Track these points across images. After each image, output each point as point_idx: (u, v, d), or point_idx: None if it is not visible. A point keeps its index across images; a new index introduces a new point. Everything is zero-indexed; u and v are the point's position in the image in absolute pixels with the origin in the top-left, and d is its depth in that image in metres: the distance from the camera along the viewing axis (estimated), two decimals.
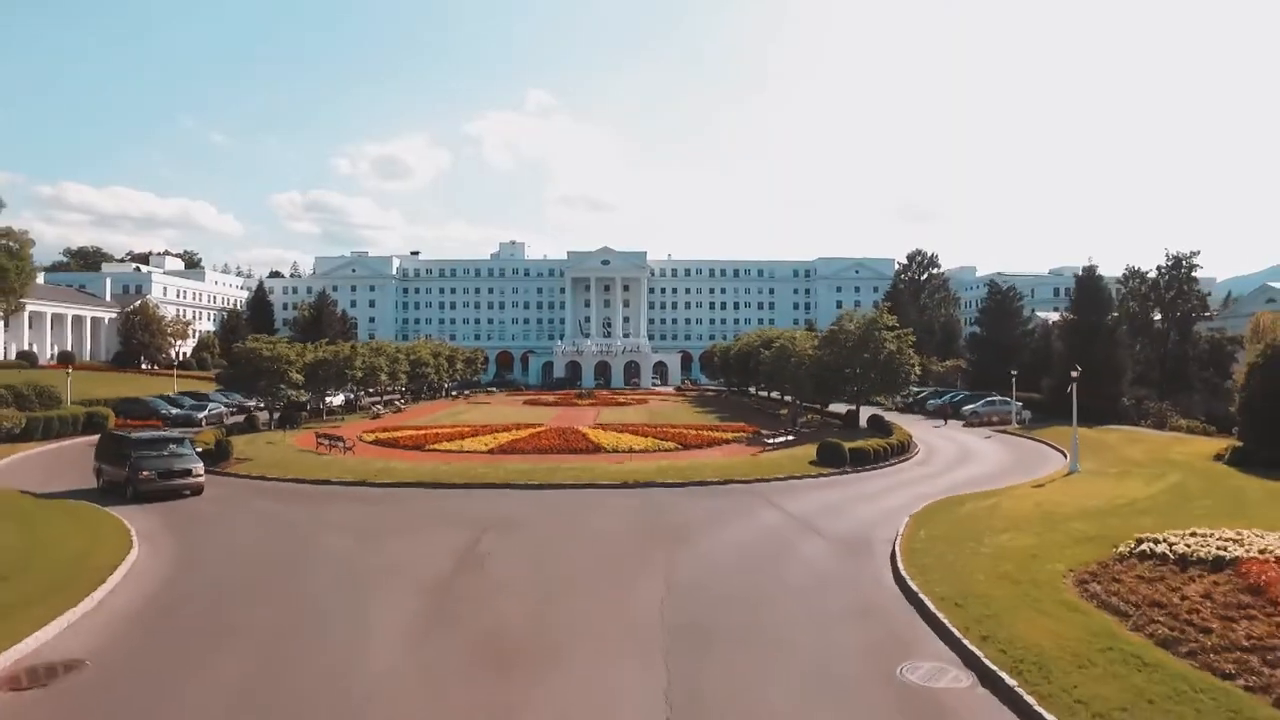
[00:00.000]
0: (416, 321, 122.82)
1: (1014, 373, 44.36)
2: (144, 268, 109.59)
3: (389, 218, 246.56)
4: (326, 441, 31.75)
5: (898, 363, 39.94)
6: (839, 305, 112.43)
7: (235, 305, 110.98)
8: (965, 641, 10.11)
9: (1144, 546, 13.60)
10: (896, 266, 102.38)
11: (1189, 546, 13.22)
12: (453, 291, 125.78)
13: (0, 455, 29.15)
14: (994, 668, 9.23)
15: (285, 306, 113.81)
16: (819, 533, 17.66)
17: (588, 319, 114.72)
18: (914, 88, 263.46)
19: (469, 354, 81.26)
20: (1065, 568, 12.91)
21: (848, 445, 28.76)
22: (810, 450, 29.47)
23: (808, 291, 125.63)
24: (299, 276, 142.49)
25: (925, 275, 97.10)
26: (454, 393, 75.27)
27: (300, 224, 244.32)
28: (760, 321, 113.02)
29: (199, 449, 25.24)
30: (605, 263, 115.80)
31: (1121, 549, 13.71)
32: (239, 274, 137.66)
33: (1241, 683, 8.39)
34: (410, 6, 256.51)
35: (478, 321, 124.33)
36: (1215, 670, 8.71)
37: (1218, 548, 13.01)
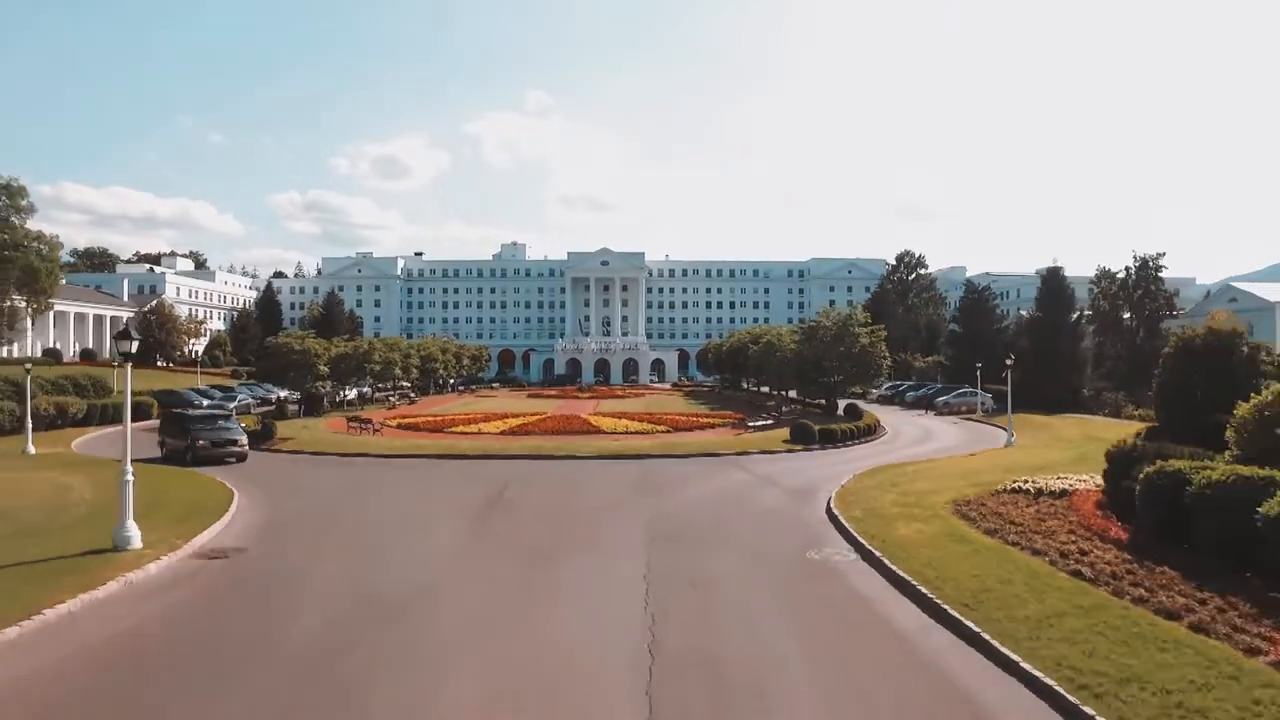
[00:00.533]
0: (420, 320, 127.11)
1: (979, 365, 48.72)
2: (156, 268, 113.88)
3: (388, 217, 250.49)
4: (357, 425, 36.12)
5: (870, 357, 44.34)
6: (832, 304, 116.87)
7: (243, 304, 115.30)
8: (857, 536, 14.50)
9: (1014, 485, 18.03)
10: (885, 268, 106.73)
11: (1046, 484, 17.64)
12: (456, 291, 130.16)
13: (75, 435, 33.60)
14: (870, 548, 13.61)
15: (292, 306, 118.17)
16: (776, 485, 22.05)
17: (587, 318, 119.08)
18: (914, 88, 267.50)
19: (475, 351, 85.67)
20: (949, 499, 17.28)
21: (818, 427, 33.17)
22: (786, 432, 33.86)
23: (801, 291, 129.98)
24: (303, 276, 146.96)
25: (913, 276, 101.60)
26: (460, 388, 79.66)
27: (300, 224, 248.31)
28: (755, 320, 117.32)
29: (246, 429, 29.72)
30: (604, 263, 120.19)
31: (998, 488, 18.12)
32: (244, 274, 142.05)
33: (1017, 546, 12.83)
34: (409, 6, 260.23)
35: (480, 320, 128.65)
36: (1008, 542, 13.15)
37: (1066, 485, 17.42)
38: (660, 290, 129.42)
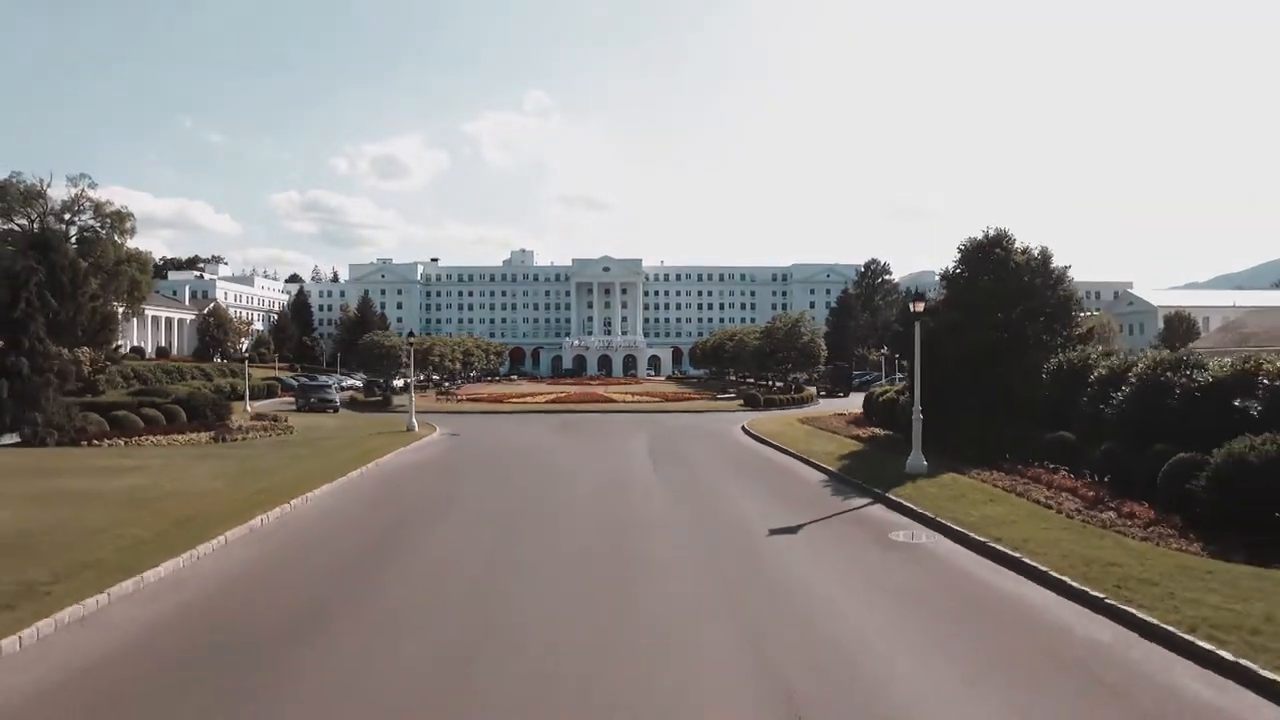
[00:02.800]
0: (438, 321, 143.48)
1: (897, 356, 65.49)
2: (206, 275, 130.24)
3: (386, 217, 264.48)
4: (444, 396, 52.86)
5: (813, 349, 61.11)
6: (812, 305, 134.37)
7: (277, 306, 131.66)
8: (748, 429, 31.36)
9: (838, 412, 34.91)
10: (854, 275, 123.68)
11: (849, 411, 34.51)
12: (470, 294, 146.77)
13: (239, 406, 50.27)
14: (751, 431, 30.46)
15: (320, 308, 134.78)
16: (721, 420, 38.85)
17: (590, 318, 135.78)
18: (914, 88, 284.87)
19: (498, 348, 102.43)
20: (805, 420, 34.10)
21: (763, 396, 50.02)
22: (742, 400, 50.68)
23: (784, 293, 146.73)
24: (320, 280, 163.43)
25: (879, 281, 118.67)
26: (486, 378, 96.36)
27: (298, 223, 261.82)
28: (742, 320, 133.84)
29: (377, 398, 46.62)
30: (606, 269, 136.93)
31: (833, 414, 35.00)
32: (266, 276, 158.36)
33: (824, 430, 29.84)
34: (409, 6, 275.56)
35: (492, 321, 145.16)
36: (819, 428, 30.12)
37: (859, 412, 34.30)
38: (656, 293, 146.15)
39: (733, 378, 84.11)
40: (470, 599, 9.52)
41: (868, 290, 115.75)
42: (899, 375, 66.64)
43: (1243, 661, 6.70)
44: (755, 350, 62.80)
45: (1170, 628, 7.60)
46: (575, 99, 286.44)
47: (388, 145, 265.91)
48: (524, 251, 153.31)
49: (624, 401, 52.99)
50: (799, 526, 13.61)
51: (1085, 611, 8.71)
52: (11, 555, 10.23)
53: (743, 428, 33.65)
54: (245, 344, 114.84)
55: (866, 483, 17.43)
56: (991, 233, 22.97)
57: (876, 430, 27.91)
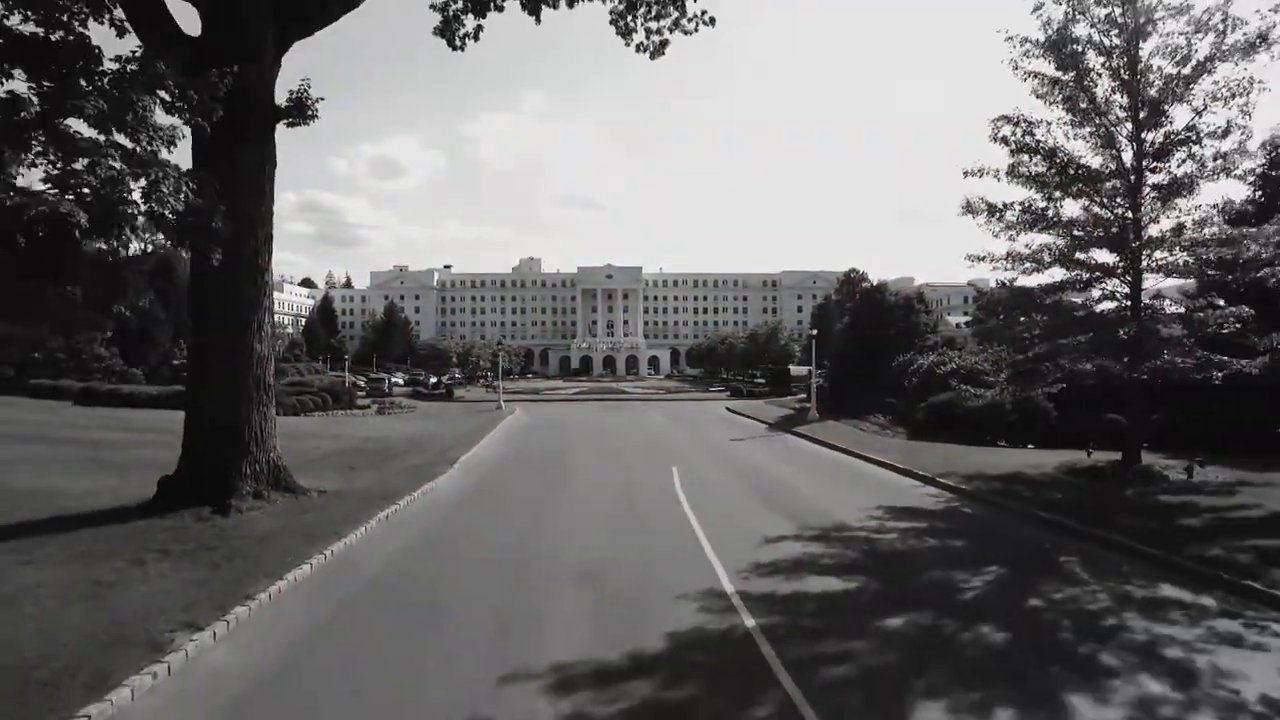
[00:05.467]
0: (452, 324, 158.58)
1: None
2: None
3: (384, 217, 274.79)
4: (490, 389, 67.98)
5: (788, 351, 76.63)
6: (799, 309, 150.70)
7: (303, 311, 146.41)
8: (731, 407, 46.72)
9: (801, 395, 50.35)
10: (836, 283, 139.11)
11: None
12: (482, 299, 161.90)
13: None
14: (746, 414, 45.82)
15: (344, 313, 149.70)
16: (713, 406, 54.22)
17: (594, 322, 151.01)
18: (913, 89, 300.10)
19: (517, 350, 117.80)
20: (797, 402, 49.46)
21: (745, 388, 65.43)
22: (730, 393, 66.09)
23: (774, 298, 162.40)
24: (334, 285, 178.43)
25: (857, 288, 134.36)
26: (507, 377, 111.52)
27: (295, 224, 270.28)
28: (735, 323, 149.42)
29: (440, 391, 61.78)
30: (609, 276, 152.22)
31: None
32: (289, 283, 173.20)
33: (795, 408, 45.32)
34: (407, 7, 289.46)
35: (503, 324, 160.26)
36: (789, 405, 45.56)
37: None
38: (656, 298, 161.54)
39: (725, 376, 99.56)
40: (592, 466, 24.77)
41: (848, 297, 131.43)
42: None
43: (905, 467, 21.76)
44: (741, 353, 78.33)
45: (879, 457, 22.78)
46: (573, 101, 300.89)
47: (384, 146, 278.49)
48: (532, 259, 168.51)
49: (635, 394, 68.35)
50: (744, 439, 28.96)
51: (849, 456, 23.95)
52: (411, 450, 25.41)
53: (726, 408, 49.04)
54: (280, 346, 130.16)
55: (785, 426, 32.83)
56: (876, 282, 38.40)
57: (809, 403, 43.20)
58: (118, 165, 8.51)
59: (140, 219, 8.81)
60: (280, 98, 14.36)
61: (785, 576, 10.23)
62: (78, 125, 8.62)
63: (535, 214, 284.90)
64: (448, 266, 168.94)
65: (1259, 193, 22.21)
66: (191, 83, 9.69)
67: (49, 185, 8.58)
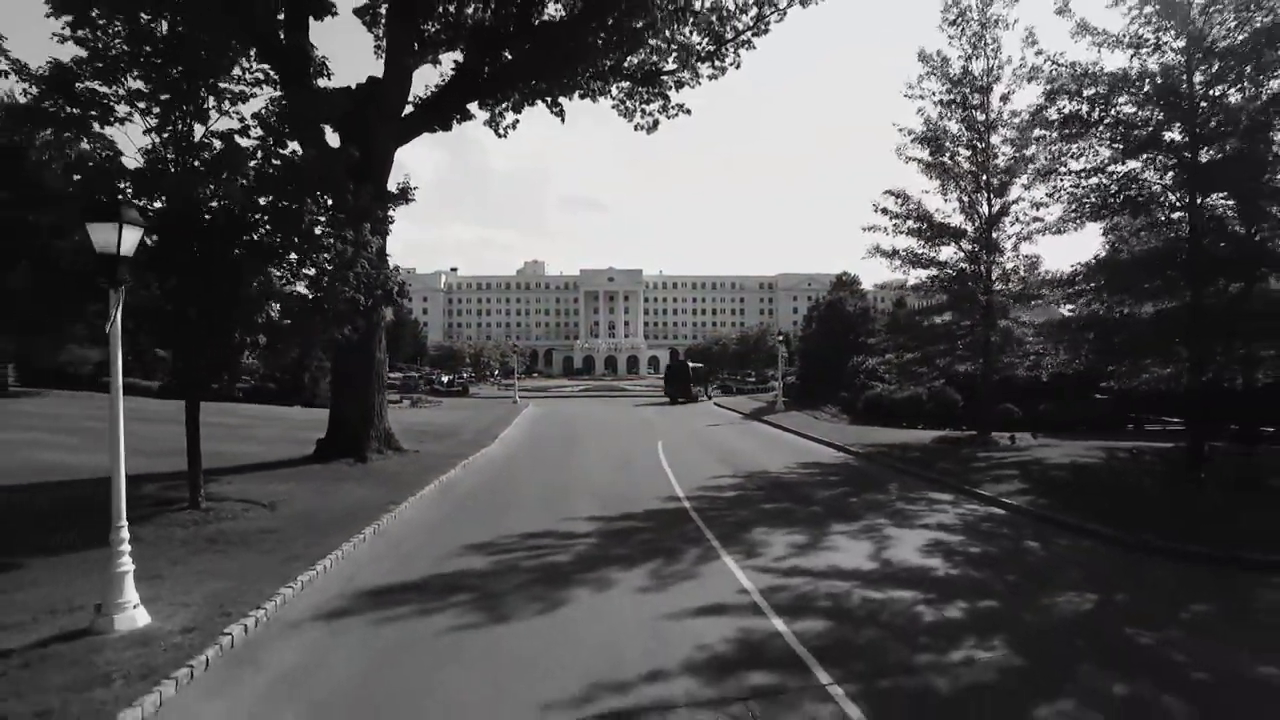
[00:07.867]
0: (459, 325, 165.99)
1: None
2: None
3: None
4: (503, 387, 75.23)
5: (775, 352, 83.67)
6: (795, 311, 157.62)
7: None
8: (712, 398, 53.97)
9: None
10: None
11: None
12: (487, 301, 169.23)
13: None
14: (728, 407, 53.06)
15: None
16: (703, 401, 61.48)
17: (596, 323, 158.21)
18: (913, 89, 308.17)
19: (524, 350, 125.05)
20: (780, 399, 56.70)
21: (735, 386, 72.68)
22: (720, 390, 73.37)
23: (771, 300, 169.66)
24: None
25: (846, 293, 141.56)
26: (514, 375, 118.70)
27: None
28: (733, 324, 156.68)
29: (458, 389, 69.10)
30: (610, 279, 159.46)
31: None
32: None
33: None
34: None
35: (508, 325, 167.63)
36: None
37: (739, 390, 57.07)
38: (656, 300, 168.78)
39: (720, 375, 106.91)
40: (592, 444, 32.04)
41: (816, 306, 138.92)
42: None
43: (829, 440, 29.02)
44: (734, 354, 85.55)
45: (815, 435, 30.02)
46: (578, 102, 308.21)
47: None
48: (536, 261, 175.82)
49: (635, 391, 75.62)
50: (720, 425, 36.25)
51: (795, 435, 31.18)
52: (458, 431, 32.68)
53: (714, 402, 56.27)
54: None
55: (756, 416, 40.12)
56: (837, 298, 45.68)
57: (785, 398, 50.42)
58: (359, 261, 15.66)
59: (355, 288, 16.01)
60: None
61: (716, 491, 17.52)
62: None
63: (540, 217, 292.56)
64: (454, 269, 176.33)
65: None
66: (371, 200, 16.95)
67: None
